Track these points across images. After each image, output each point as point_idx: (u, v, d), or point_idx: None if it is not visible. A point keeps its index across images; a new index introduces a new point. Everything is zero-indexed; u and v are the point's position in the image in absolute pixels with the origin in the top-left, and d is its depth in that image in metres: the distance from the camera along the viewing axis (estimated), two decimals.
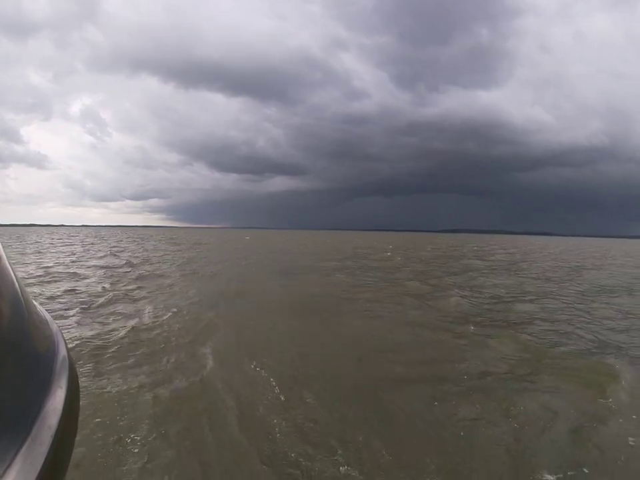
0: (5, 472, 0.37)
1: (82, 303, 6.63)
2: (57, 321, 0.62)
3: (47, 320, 0.60)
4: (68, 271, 11.19)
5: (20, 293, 0.52)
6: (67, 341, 0.59)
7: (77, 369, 0.58)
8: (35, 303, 0.58)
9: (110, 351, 4.19)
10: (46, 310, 0.62)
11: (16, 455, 0.39)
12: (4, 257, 0.52)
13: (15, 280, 0.53)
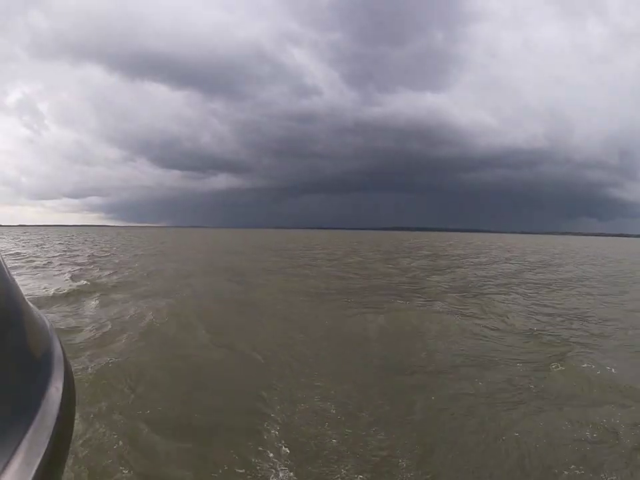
0: (2, 471, 0.37)
1: None
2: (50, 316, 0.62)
3: (41, 318, 0.60)
4: None
5: (14, 291, 0.53)
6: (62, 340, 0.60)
7: (72, 366, 0.59)
8: (29, 303, 0.58)
9: None
10: (40, 309, 0.62)
11: (13, 453, 0.39)
12: None
13: (9, 279, 0.53)
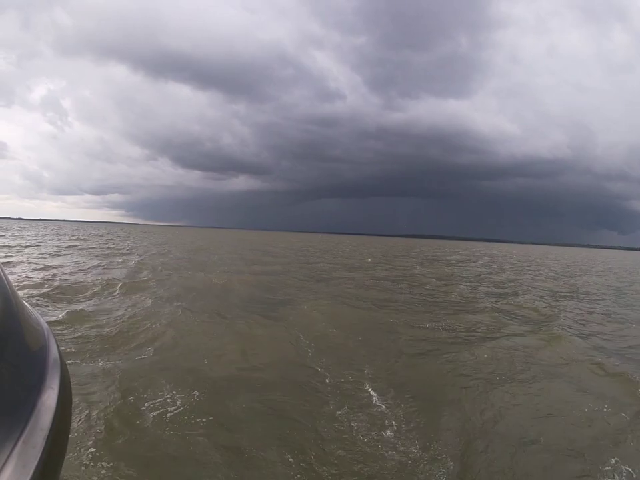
0: None
1: None
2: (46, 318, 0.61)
3: (37, 319, 0.59)
4: None
5: (9, 292, 0.52)
6: (58, 341, 0.59)
7: (68, 368, 0.58)
8: (25, 303, 0.57)
9: None
10: (37, 310, 0.61)
11: (8, 456, 0.38)
12: None
13: (4, 279, 0.52)
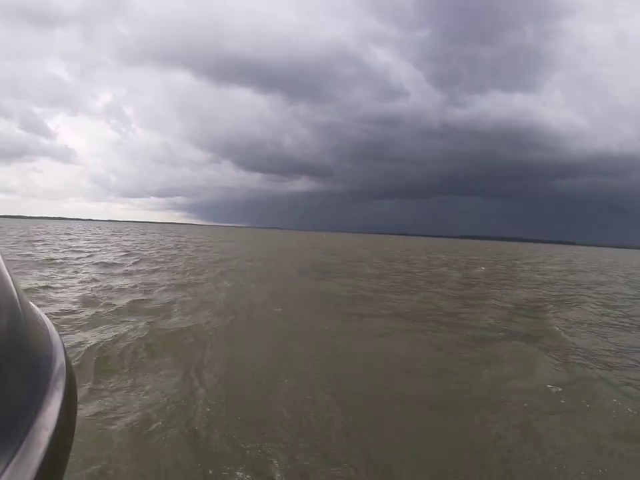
0: None
1: None
2: (52, 319, 0.60)
3: (45, 323, 0.57)
4: None
5: (16, 295, 0.50)
6: (66, 345, 0.56)
7: (75, 374, 0.55)
8: (33, 305, 0.56)
9: None
10: (45, 313, 0.60)
11: (5, 469, 0.37)
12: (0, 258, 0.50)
13: (11, 281, 0.50)
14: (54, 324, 0.59)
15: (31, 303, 0.55)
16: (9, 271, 0.51)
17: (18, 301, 0.49)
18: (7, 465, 0.37)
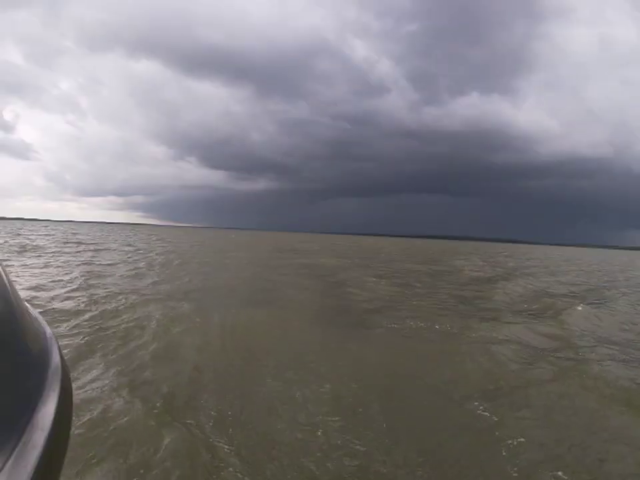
0: None
1: None
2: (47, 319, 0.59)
3: (39, 323, 0.57)
4: None
5: (10, 293, 0.50)
6: (61, 345, 0.57)
7: (71, 373, 0.55)
8: (27, 305, 0.56)
9: None
10: (39, 312, 0.60)
11: (1, 469, 0.37)
12: None
13: (4, 279, 0.50)
14: (48, 323, 0.59)
15: (25, 302, 0.55)
16: (2, 270, 0.51)
17: (12, 300, 0.49)
18: (4, 464, 0.37)
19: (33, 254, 13.77)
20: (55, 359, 0.53)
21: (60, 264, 11.09)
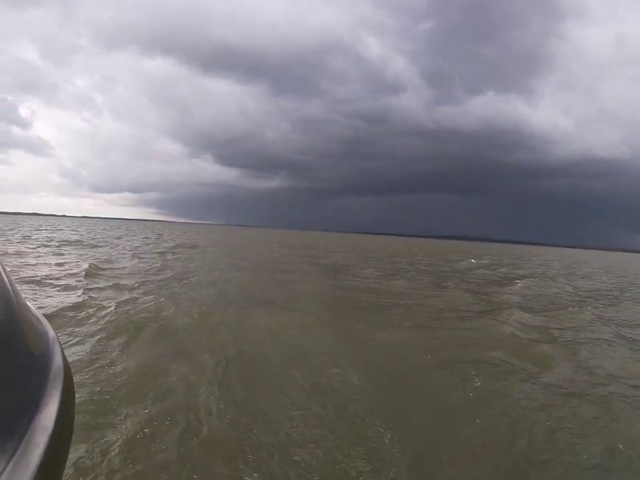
0: None
1: None
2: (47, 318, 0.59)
3: (41, 322, 0.57)
4: None
5: (11, 293, 0.50)
6: (63, 345, 0.56)
7: (73, 374, 0.55)
8: (29, 304, 0.55)
9: None
10: (41, 312, 0.60)
11: (4, 469, 0.36)
12: None
13: (6, 280, 0.50)
14: (50, 323, 0.58)
15: (27, 302, 0.55)
16: (4, 269, 0.51)
17: (14, 300, 0.49)
18: (7, 464, 0.37)
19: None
20: (57, 359, 0.53)
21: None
